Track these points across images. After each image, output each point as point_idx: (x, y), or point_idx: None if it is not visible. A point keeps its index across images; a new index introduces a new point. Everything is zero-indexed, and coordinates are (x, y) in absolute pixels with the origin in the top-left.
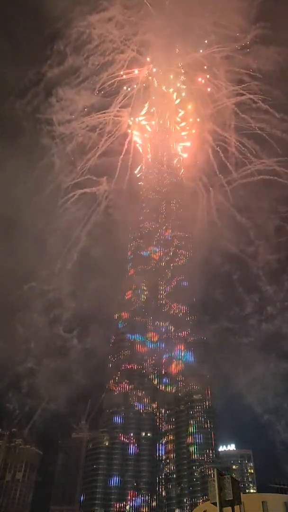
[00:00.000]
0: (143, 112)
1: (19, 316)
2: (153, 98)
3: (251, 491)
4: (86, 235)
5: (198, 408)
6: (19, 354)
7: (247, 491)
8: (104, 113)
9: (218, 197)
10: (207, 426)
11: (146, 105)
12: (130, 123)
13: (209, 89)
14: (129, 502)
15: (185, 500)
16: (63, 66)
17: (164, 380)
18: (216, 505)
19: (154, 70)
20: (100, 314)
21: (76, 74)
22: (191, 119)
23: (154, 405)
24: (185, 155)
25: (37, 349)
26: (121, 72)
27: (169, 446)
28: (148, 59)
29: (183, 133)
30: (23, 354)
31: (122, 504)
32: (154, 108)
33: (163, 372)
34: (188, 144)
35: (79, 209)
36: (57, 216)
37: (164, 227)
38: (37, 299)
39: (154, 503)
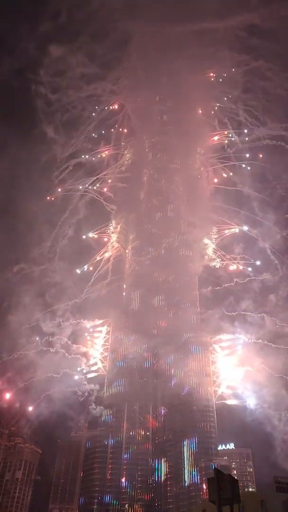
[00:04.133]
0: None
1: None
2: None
3: (250, 489)
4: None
5: (197, 407)
6: (15, 345)
7: (246, 489)
8: (101, 82)
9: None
10: (206, 425)
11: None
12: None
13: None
14: (128, 501)
15: (184, 499)
16: (58, 24)
17: (163, 378)
18: (215, 503)
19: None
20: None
21: (73, 41)
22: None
23: (153, 404)
24: None
25: (33, 341)
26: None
27: (168, 445)
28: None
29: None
30: (20, 346)
31: (121, 504)
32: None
33: (162, 370)
34: None
35: (78, 178)
36: (52, 188)
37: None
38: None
39: (153, 503)
